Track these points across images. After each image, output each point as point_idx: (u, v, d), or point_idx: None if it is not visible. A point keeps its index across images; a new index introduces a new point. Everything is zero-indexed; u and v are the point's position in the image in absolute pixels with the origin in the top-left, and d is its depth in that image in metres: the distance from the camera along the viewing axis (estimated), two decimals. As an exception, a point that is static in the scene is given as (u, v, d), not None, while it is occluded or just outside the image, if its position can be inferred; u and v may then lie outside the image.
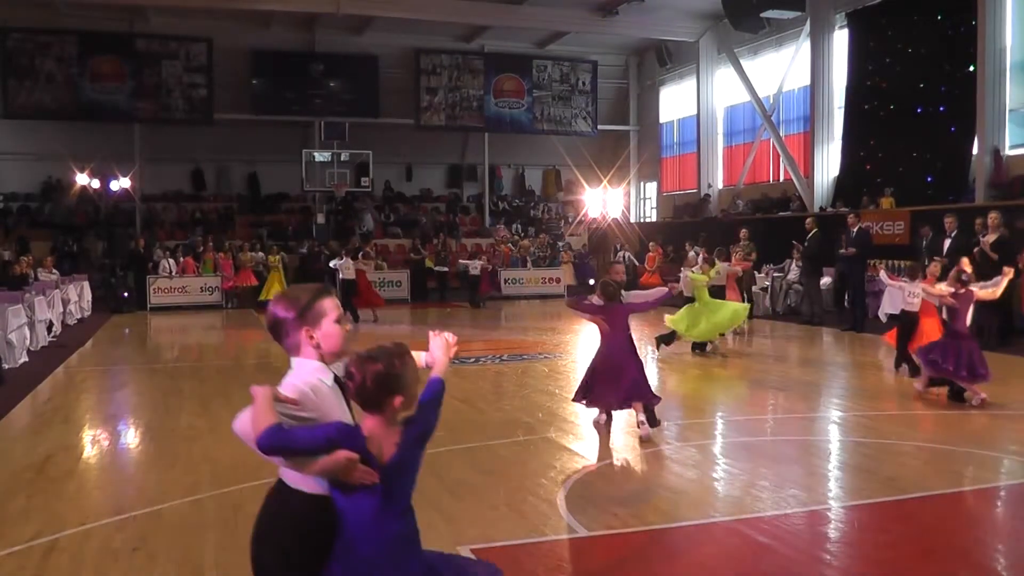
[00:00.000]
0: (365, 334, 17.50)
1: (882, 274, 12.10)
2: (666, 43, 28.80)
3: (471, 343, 15.31)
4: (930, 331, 10.75)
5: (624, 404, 7.70)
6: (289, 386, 2.89)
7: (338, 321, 3.00)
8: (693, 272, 13.46)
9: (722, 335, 13.70)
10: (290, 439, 2.67)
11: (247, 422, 2.81)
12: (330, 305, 2.99)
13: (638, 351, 7.98)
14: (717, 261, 14.49)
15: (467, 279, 23.96)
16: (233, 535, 5.25)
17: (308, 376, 2.92)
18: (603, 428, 7.99)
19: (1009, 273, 10.05)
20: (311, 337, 2.95)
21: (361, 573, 2.76)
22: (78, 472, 6.87)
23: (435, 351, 3.10)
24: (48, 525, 5.46)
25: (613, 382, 7.58)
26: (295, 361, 2.99)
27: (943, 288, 9.44)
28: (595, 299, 8.01)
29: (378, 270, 24.60)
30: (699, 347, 13.11)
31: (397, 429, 2.82)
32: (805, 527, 5.38)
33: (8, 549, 5.05)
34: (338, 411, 2.91)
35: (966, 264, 9.75)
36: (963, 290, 9.21)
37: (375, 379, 2.77)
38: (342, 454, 2.67)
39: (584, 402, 8.00)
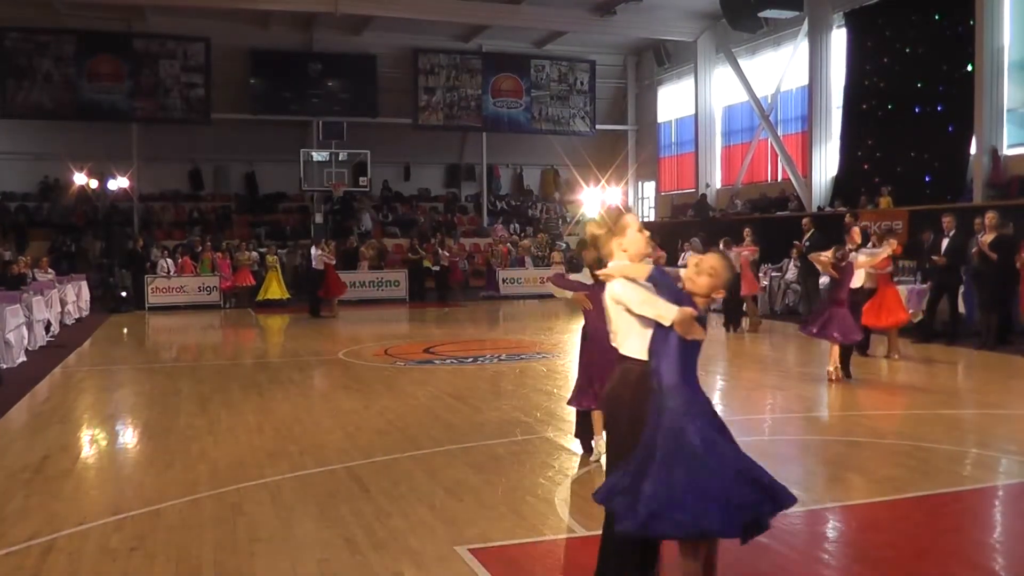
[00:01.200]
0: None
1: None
2: (664, 43, 28.84)
3: (468, 343, 15.31)
4: (890, 302, 11.84)
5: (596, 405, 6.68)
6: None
7: (639, 231, 3.90)
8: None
9: None
10: (667, 277, 3.70)
11: (624, 281, 3.75)
12: (631, 219, 3.94)
13: None
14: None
15: (440, 274, 24.29)
16: (231, 534, 5.25)
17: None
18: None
19: (892, 244, 11.23)
20: (620, 244, 3.88)
21: (670, 419, 3.64)
22: (76, 472, 6.87)
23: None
24: (46, 525, 5.45)
25: (593, 377, 6.62)
26: (609, 266, 3.93)
27: (826, 257, 10.20)
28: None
29: (372, 270, 24.72)
30: None
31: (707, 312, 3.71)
32: (803, 527, 5.37)
33: (6, 549, 5.04)
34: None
35: (856, 235, 10.59)
36: (844, 262, 10.01)
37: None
38: (689, 309, 3.54)
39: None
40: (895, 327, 12.19)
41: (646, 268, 3.68)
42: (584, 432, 6.95)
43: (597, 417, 6.68)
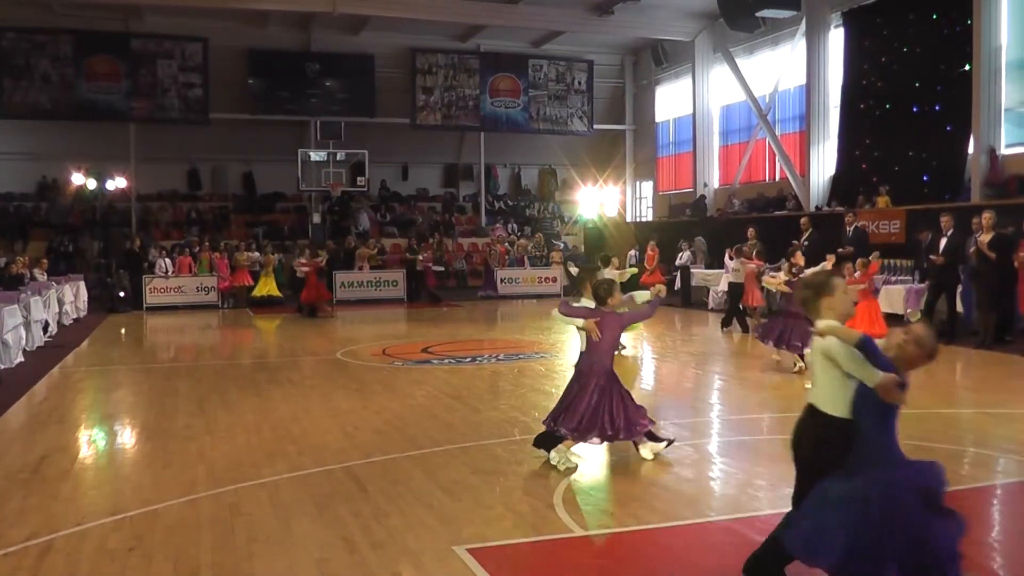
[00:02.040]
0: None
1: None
2: (662, 42, 28.85)
3: (466, 343, 15.31)
4: (866, 317, 12.41)
5: (583, 436, 6.64)
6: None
7: (845, 291, 4.27)
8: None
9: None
10: (875, 346, 3.95)
11: (837, 340, 4.04)
12: (839, 282, 4.29)
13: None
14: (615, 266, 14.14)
15: (416, 275, 24.44)
16: (229, 534, 5.25)
17: None
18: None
19: (832, 259, 12.40)
20: (829, 303, 4.20)
21: (864, 470, 3.96)
22: (74, 472, 6.86)
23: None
24: (44, 525, 5.45)
25: (583, 407, 6.59)
26: (818, 323, 4.18)
27: (780, 276, 11.67)
28: (585, 301, 7.29)
29: (374, 269, 24.77)
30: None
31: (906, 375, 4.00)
32: (801, 526, 5.37)
33: (4, 550, 5.04)
34: None
35: (799, 258, 11.80)
36: (796, 279, 11.08)
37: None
38: (893, 375, 3.87)
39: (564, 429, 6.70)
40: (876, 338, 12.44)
41: (857, 334, 3.98)
42: (549, 444, 6.82)
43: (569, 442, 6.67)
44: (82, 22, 25.63)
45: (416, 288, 24.34)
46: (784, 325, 11.13)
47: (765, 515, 5.47)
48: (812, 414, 4.24)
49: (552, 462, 6.64)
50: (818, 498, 4.04)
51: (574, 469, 6.57)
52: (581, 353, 7.01)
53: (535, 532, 5.26)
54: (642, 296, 7.29)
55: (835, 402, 4.12)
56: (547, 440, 6.88)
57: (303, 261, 20.70)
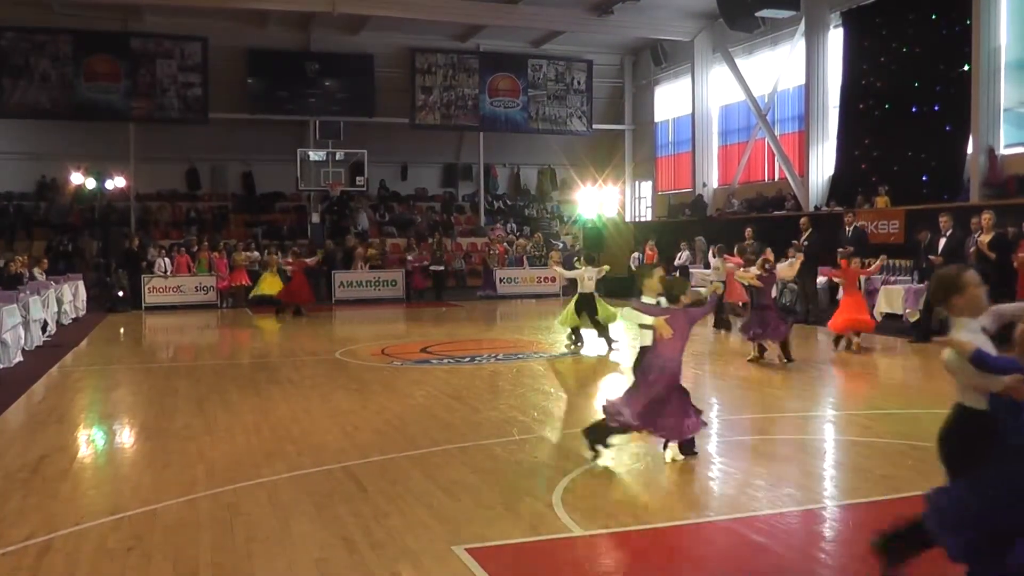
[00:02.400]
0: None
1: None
2: (661, 42, 28.84)
3: (465, 342, 15.31)
4: (850, 309, 12.83)
5: (655, 433, 6.81)
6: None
7: (976, 287, 4.21)
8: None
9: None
10: (988, 358, 3.97)
11: (954, 353, 4.07)
12: (969, 278, 4.23)
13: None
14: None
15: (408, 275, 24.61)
16: (229, 534, 5.25)
17: (965, 330, 4.15)
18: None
19: (800, 256, 13.76)
20: (959, 301, 4.20)
21: (1001, 455, 4.00)
22: (73, 472, 6.86)
23: None
24: (43, 525, 5.45)
25: (661, 405, 6.68)
26: (953, 320, 4.24)
27: (752, 271, 12.27)
28: (646, 299, 7.24)
29: (373, 269, 24.80)
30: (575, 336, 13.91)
31: None
32: (800, 526, 5.38)
33: (3, 550, 5.04)
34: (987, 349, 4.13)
35: (769, 254, 12.68)
36: (767, 274, 12.05)
37: None
38: (1014, 376, 3.88)
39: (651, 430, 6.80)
40: (856, 330, 12.98)
41: (971, 348, 3.98)
42: (601, 437, 6.88)
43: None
44: (82, 22, 25.61)
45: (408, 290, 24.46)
46: (762, 319, 11.80)
47: (764, 515, 5.48)
48: (957, 410, 4.32)
49: (603, 446, 6.78)
50: (961, 488, 4.07)
51: (599, 458, 6.71)
52: (643, 349, 7.04)
53: (534, 532, 5.26)
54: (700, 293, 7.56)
55: (971, 395, 4.18)
56: (597, 432, 6.90)
57: (289, 260, 20.79)
